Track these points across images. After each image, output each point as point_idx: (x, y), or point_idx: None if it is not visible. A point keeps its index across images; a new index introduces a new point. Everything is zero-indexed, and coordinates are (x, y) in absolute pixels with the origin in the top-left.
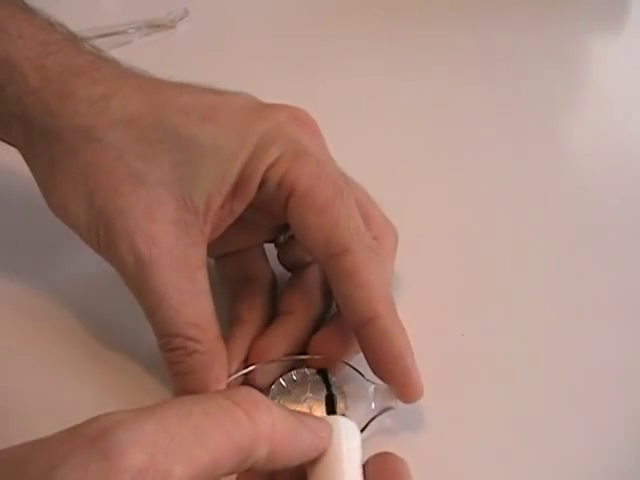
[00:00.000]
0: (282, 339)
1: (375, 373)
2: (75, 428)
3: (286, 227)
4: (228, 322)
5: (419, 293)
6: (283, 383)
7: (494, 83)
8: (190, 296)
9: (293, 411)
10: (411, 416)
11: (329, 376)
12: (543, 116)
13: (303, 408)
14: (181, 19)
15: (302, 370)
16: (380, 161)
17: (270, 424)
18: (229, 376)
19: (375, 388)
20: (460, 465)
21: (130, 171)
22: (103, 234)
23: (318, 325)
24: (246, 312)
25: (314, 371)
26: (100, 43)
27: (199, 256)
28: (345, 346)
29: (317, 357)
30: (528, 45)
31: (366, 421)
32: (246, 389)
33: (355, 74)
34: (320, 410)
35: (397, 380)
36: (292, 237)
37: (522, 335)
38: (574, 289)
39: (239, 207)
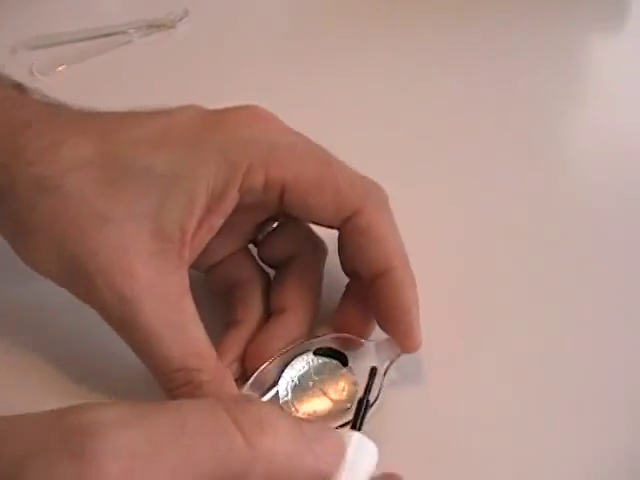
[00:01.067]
0: (278, 338)
1: (379, 323)
2: (60, 415)
3: (264, 225)
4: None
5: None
6: (288, 377)
7: (494, 82)
8: (180, 327)
9: (310, 424)
10: (412, 416)
11: (374, 379)
12: (543, 115)
13: (314, 394)
14: (181, 19)
15: (301, 357)
16: (380, 160)
17: (270, 448)
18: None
19: (376, 344)
20: (460, 465)
21: (94, 212)
22: (80, 279)
23: (312, 316)
24: (240, 314)
25: (311, 353)
26: (100, 43)
27: (181, 282)
28: (369, 323)
29: (315, 340)
30: (528, 45)
31: (377, 385)
32: (256, 406)
33: (355, 74)
34: (331, 390)
35: (400, 331)
36: (270, 233)
37: (522, 335)
38: (575, 289)
39: (219, 220)
